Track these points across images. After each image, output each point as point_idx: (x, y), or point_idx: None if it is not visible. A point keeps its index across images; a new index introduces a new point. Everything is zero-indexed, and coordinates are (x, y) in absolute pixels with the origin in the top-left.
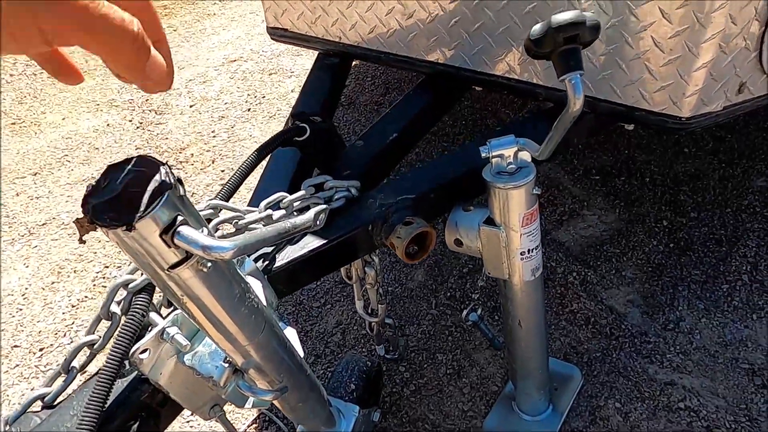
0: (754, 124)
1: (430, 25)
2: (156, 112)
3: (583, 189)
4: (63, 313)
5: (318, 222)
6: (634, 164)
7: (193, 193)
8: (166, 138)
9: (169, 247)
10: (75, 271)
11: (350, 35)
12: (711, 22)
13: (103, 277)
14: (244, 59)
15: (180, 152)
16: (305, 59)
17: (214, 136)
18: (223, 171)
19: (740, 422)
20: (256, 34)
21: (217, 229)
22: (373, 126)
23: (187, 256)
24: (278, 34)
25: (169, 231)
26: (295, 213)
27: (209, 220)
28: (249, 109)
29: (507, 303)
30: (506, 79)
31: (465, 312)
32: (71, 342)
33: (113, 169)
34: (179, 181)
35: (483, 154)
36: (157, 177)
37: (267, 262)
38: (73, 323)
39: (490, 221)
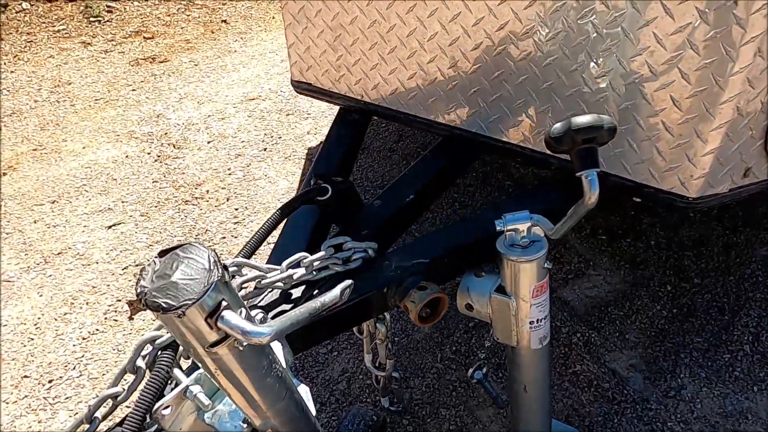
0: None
1: (450, 91)
2: (174, 147)
3: (590, 248)
4: (74, 346)
5: (343, 297)
6: (640, 227)
7: (206, 230)
8: (183, 173)
9: (212, 329)
10: (88, 303)
11: (372, 94)
12: (720, 112)
13: (115, 311)
14: (262, 98)
15: (196, 188)
16: (322, 102)
17: (229, 174)
18: (236, 209)
19: None
20: (275, 73)
21: (241, 288)
22: (390, 186)
23: (226, 336)
24: (302, 87)
25: (213, 315)
26: (314, 273)
27: (233, 277)
28: (265, 149)
29: (513, 368)
30: (521, 147)
31: (471, 370)
32: (80, 375)
33: (164, 255)
34: (225, 267)
35: (498, 228)
36: (206, 265)
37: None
38: (83, 356)
39: (501, 290)
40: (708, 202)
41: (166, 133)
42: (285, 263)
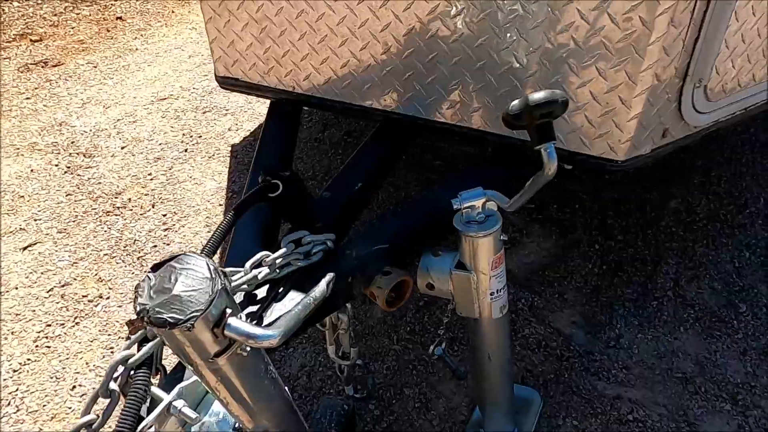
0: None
1: (385, 77)
2: (84, 155)
3: (521, 218)
4: (5, 380)
5: (329, 290)
6: (565, 194)
7: (134, 240)
8: (99, 182)
9: (217, 338)
10: (13, 333)
11: (304, 85)
12: (641, 79)
13: (46, 337)
14: (174, 97)
15: (116, 197)
16: (239, 96)
17: (151, 179)
18: (164, 215)
19: (681, 428)
20: (184, 70)
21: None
22: (336, 177)
23: (230, 344)
24: (229, 83)
25: (219, 324)
26: (277, 270)
27: None
28: (186, 150)
29: (476, 339)
30: (458, 127)
31: (432, 347)
32: (17, 411)
33: (158, 269)
34: (224, 273)
35: (455, 206)
36: (207, 274)
37: (256, 321)
38: (17, 390)
39: (460, 266)
40: (634, 163)
41: (72, 142)
42: (248, 264)
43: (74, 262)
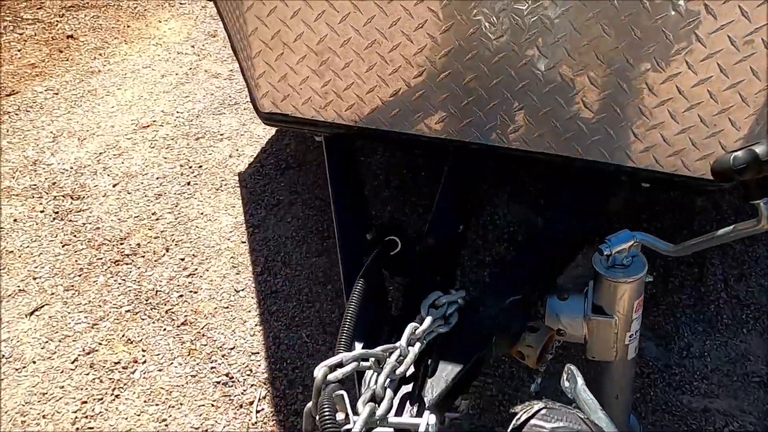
0: None
1: (466, 106)
2: (72, 197)
3: None
4: None
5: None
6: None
7: (156, 291)
8: (97, 227)
9: None
10: (45, 416)
11: (369, 118)
12: (754, 100)
13: (86, 417)
14: (158, 124)
15: (121, 243)
16: (230, 118)
17: (157, 219)
18: (183, 259)
19: None
20: (161, 92)
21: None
22: (432, 220)
23: None
24: (277, 119)
25: None
26: (424, 341)
27: (360, 374)
28: (189, 183)
29: (606, 380)
30: (542, 154)
31: (533, 387)
32: None
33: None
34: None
35: (605, 252)
36: None
37: (417, 404)
38: None
39: (598, 310)
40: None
41: (54, 183)
42: (404, 341)
43: (94, 324)
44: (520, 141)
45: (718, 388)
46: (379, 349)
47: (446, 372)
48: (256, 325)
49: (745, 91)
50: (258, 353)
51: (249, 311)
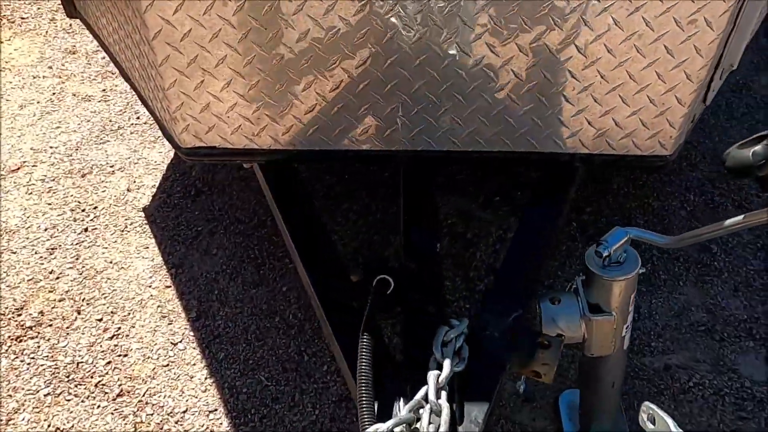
0: None
1: (415, 116)
2: None
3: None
4: None
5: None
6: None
7: (77, 363)
8: None
9: None
10: None
11: (311, 139)
12: (696, 76)
13: None
14: (30, 164)
15: (19, 314)
16: (117, 146)
17: (57, 278)
18: (100, 320)
19: (732, 378)
20: (25, 126)
21: None
22: (407, 244)
23: None
24: (201, 154)
25: None
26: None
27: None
28: (86, 229)
29: (602, 372)
30: (503, 153)
31: (517, 384)
32: None
33: None
34: None
35: (604, 254)
36: None
37: None
38: None
39: (595, 309)
40: (677, 153)
41: None
42: (432, 395)
43: (8, 420)
44: (475, 143)
45: (672, 343)
46: (405, 410)
47: (474, 413)
48: (205, 378)
49: (689, 69)
50: (216, 410)
51: (193, 364)
